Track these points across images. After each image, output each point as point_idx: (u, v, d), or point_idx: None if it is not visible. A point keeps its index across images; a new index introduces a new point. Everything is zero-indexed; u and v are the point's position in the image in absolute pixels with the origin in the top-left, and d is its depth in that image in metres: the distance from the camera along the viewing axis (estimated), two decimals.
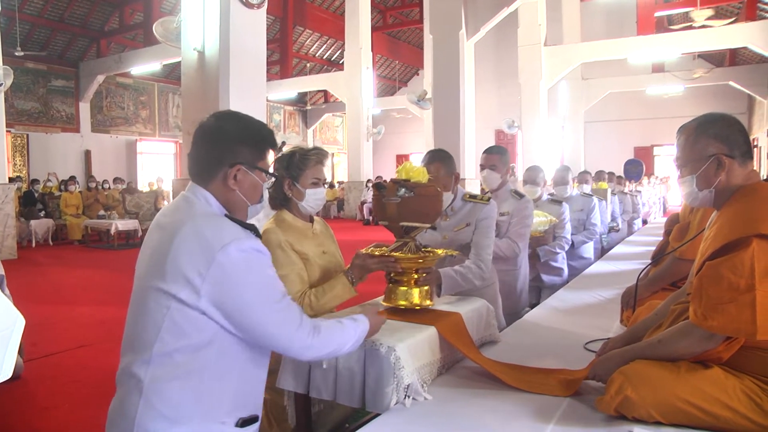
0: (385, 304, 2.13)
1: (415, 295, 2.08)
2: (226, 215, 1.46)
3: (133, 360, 1.37)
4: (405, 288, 2.09)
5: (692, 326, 1.54)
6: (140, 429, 1.32)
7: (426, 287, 2.12)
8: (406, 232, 2.10)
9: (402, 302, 2.07)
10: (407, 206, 2.04)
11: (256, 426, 1.51)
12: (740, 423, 1.45)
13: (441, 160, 2.72)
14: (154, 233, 1.46)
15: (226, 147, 1.47)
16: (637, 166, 7.89)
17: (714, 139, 1.63)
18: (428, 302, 2.11)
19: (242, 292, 1.34)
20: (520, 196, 3.40)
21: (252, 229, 1.44)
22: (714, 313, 1.47)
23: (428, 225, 2.13)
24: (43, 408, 3.25)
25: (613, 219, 6.15)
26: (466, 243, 2.69)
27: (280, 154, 2.32)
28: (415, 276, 2.10)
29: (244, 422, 1.45)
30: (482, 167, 3.55)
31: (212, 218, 1.41)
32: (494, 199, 2.95)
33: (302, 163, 2.23)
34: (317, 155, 2.27)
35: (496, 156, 3.51)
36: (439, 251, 2.19)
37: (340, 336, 1.54)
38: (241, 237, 1.37)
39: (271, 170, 1.57)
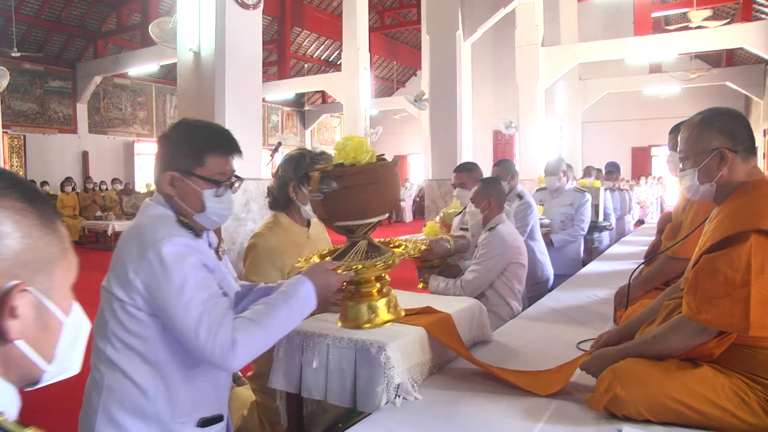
0: (342, 325, 1.65)
1: (382, 309, 1.60)
2: (178, 218, 1.45)
3: (94, 359, 1.43)
4: (365, 303, 1.60)
5: (686, 319, 1.54)
6: (102, 425, 1.37)
7: (394, 295, 1.66)
8: (349, 232, 1.61)
9: (366, 324, 1.59)
10: (335, 203, 1.54)
11: (221, 425, 1.50)
12: (728, 420, 1.46)
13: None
14: None
15: (166, 153, 1.48)
16: (616, 168, 7.77)
17: (718, 133, 1.62)
18: (401, 312, 1.66)
19: (165, 288, 1.33)
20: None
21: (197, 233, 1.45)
22: (708, 307, 1.47)
23: (382, 217, 1.60)
24: (35, 410, 3.24)
25: (606, 218, 5.89)
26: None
27: (288, 156, 2.32)
28: (378, 285, 1.63)
29: (206, 422, 1.45)
30: (453, 186, 3.66)
31: (157, 219, 1.43)
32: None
33: (312, 168, 2.23)
34: (327, 161, 2.27)
35: (464, 173, 3.59)
36: (398, 249, 1.69)
37: (269, 334, 1.38)
38: (175, 235, 1.37)
39: (225, 178, 1.50)
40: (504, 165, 4.38)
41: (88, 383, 1.44)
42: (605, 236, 5.95)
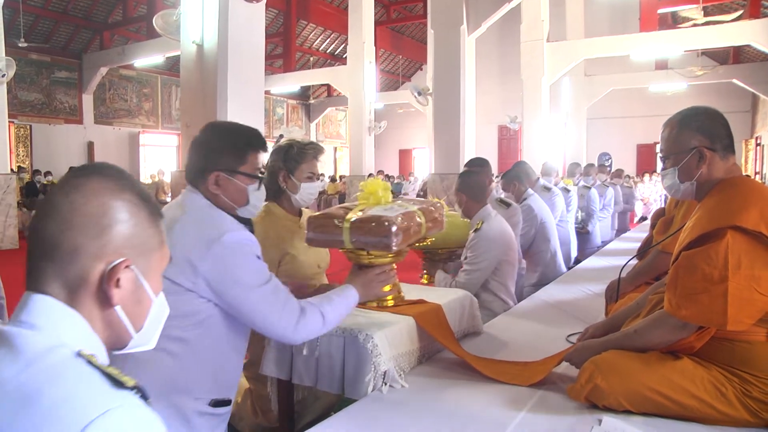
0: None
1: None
2: (230, 214, 1.60)
3: None
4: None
5: (666, 315, 1.57)
6: None
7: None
8: None
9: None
10: None
11: (228, 408, 1.61)
12: (706, 411, 1.49)
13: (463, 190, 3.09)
14: None
15: (207, 156, 1.61)
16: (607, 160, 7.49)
17: (696, 132, 1.65)
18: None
19: (234, 275, 1.48)
20: (507, 204, 3.74)
21: (247, 223, 1.59)
22: (687, 303, 1.50)
23: None
24: None
25: (582, 219, 5.48)
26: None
27: (276, 146, 2.36)
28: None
29: (217, 403, 1.55)
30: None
31: (208, 211, 1.56)
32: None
33: (299, 156, 2.27)
34: (314, 150, 2.31)
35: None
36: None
37: (327, 313, 1.60)
38: (235, 228, 1.53)
39: (258, 173, 1.65)
40: (517, 168, 4.46)
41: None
42: (587, 237, 5.56)
